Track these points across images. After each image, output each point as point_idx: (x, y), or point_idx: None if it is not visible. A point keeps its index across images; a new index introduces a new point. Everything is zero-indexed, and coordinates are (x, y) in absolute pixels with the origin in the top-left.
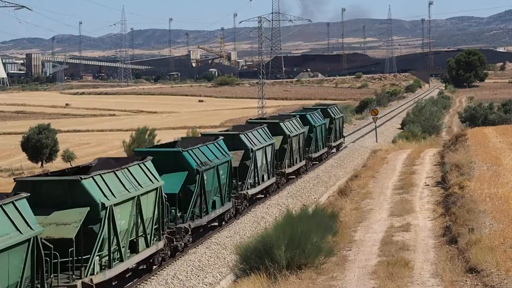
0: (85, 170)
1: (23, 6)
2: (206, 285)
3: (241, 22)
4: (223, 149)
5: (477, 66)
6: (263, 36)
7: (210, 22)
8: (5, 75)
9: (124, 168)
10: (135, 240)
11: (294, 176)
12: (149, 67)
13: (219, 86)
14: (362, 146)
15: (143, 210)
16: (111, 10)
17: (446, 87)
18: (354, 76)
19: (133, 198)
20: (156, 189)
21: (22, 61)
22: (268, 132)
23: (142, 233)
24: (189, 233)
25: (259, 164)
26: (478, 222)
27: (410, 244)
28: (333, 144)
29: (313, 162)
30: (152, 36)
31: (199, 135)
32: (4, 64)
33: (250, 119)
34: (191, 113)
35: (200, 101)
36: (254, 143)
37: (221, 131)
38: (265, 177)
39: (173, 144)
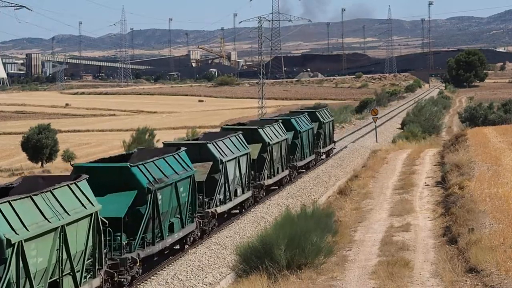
0: (2, 193)
1: (23, 6)
2: (206, 285)
3: (241, 22)
4: (185, 162)
5: (477, 66)
6: (263, 36)
7: (210, 22)
8: (5, 75)
9: (47, 192)
10: (58, 280)
11: (276, 187)
12: (149, 67)
13: (219, 86)
14: (362, 146)
15: (70, 243)
16: (111, 10)
17: (446, 87)
18: (354, 76)
19: (55, 229)
20: (91, 215)
21: (22, 61)
22: (243, 140)
23: (69, 271)
24: (138, 264)
25: (230, 177)
26: (478, 222)
27: (410, 244)
28: (322, 150)
29: (300, 170)
30: (152, 36)
31: (201, 133)
32: (4, 64)
33: (227, 125)
34: (191, 113)
35: (200, 101)
36: (224, 154)
37: (188, 140)
38: (239, 191)
39: (126, 156)
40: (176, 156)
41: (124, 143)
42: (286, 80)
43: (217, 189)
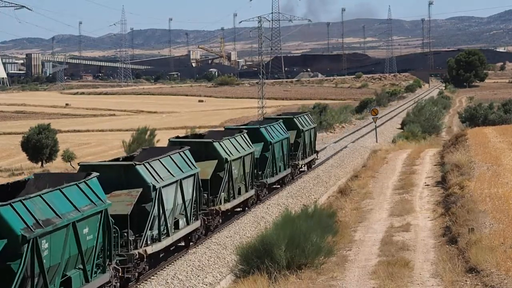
0: None
1: (23, 6)
2: (206, 285)
3: (241, 22)
4: (94, 192)
5: (477, 66)
6: (263, 36)
7: (210, 22)
8: (5, 75)
9: None
10: None
11: (240, 209)
12: (149, 67)
13: (219, 86)
14: (362, 146)
15: None
16: (111, 10)
17: (446, 87)
18: (354, 76)
19: None
20: None
21: (22, 61)
22: (189, 157)
23: None
24: None
25: (169, 206)
26: (478, 222)
27: (410, 244)
28: (301, 162)
29: (274, 186)
30: (152, 36)
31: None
32: (4, 64)
33: (177, 136)
34: (191, 113)
35: (200, 101)
36: (160, 177)
37: (118, 159)
38: (181, 222)
39: (16, 185)
40: (82, 186)
41: (124, 143)
42: (286, 80)
43: (148, 223)
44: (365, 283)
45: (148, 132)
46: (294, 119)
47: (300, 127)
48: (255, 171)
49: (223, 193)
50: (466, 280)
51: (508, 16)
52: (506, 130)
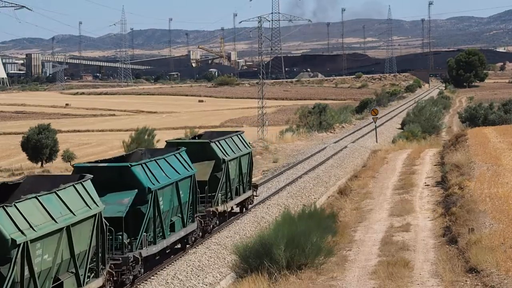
0: None
1: (23, 6)
2: (206, 285)
3: (241, 22)
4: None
5: (477, 66)
6: (263, 36)
7: (210, 22)
8: (5, 75)
9: None
10: None
11: None
12: (149, 67)
13: (219, 86)
14: (362, 146)
15: None
16: (111, 10)
17: (446, 87)
18: (354, 76)
19: None
20: None
21: (22, 61)
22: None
23: None
24: None
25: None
26: (478, 222)
27: (410, 244)
28: (222, 207)
29: (170, 250)
30: (152, 36)
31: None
32: (4, 64)
33: None
34: (191, 113)
35: (200, 101)
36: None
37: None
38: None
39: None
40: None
41: (124, 143)
42: (286, 80)
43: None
44: (365, 283)
45: (148, 132)
46: (211, 144)
47: (221, 155)
48: (122, 239)
49: None
50: (466, 280)
51: (508, 16)
52: (506, 130)
